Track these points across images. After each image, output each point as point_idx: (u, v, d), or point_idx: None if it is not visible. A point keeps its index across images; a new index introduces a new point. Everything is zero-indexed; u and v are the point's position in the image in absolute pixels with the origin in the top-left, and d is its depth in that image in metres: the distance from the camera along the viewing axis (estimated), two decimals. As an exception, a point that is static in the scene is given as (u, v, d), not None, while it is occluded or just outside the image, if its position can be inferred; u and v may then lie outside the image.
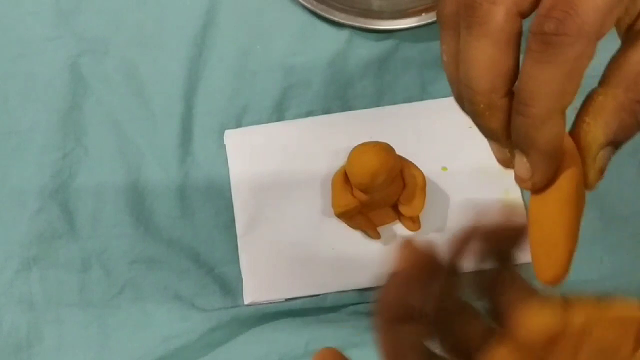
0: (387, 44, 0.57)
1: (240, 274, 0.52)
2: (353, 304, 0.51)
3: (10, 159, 0.55)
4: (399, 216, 0.52)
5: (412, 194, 0.50)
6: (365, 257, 0.52)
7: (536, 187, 0.25)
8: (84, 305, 0.52)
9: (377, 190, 0.49)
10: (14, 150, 0.56)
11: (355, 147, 0.49)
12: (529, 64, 0.22)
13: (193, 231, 0.53)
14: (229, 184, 0.54)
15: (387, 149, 0.48)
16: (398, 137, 0.51)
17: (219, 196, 0.54)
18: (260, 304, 0.51)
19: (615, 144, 0.23)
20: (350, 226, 0.52)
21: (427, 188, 0.51)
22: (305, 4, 0.57)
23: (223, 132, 0.55)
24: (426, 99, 0.56)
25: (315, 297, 0.51)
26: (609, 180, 0.53)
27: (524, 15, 0.22)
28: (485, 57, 0.22)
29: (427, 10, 0.56)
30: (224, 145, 0.55)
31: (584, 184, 0.24)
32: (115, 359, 0.51)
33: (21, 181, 0.55)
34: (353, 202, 0.50)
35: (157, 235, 0.53)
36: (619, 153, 0.54)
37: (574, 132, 0.24)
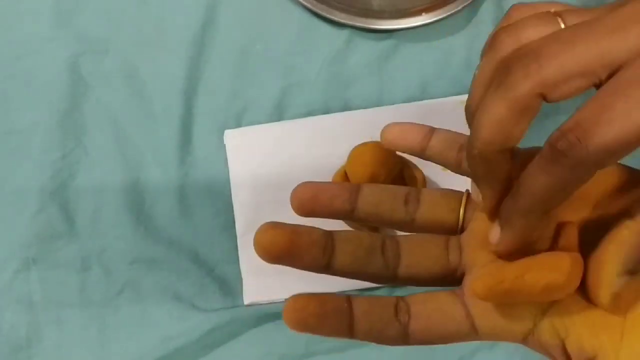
0: (387, 44, 0.57)
1: (240, 274, 0.52)
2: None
3: (10, 159, 0.55)
4: None
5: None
6: None
7: (497, 254, 0.28)
8: (83, 305, 0.52)
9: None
10: (14, 150, 0.56)
11: (355, 147, 0.49)
12: (534, 162, 0.24)
13: (193, 231, 0.53)
14: (229, 183, 0.54)
15: (387, 149, 0.48)
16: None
17: (219, 196, 0.54)
18: (260, 304, 0.51)
19: (632, 273, 0.25)
20: (351, 226, 0.52)
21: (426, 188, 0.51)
22: (305, 3, 0.57)
23: (223, 132, 0.55)
24: (426, 99, 0.56)
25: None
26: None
27: (545, 99, 0.24)
28: (496, 114, 0.25)
29: (427, 10, 0.56)
30: (224, 145, 0.55)
31: (594, 300, 0.26)
32: (115, 359, 0.51)
33: (21, 181, 0.55)
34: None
35: (157, 236, 0.53)
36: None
37: (596, 255, 0.26)
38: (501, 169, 0.27)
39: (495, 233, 0.28)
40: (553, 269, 0.25)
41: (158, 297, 0.52)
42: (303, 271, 0.52)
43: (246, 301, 0.51)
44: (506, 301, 0.27)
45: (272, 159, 0.54)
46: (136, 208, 0.54)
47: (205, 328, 0.50)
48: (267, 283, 0.52)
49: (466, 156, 0.27)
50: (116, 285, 0.52)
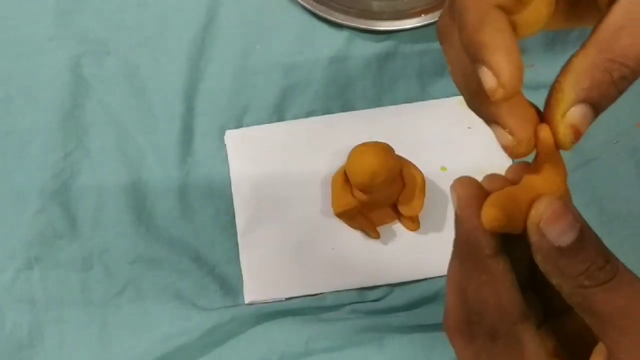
0: (387, 44, 0.57)
1: (241, 274, 0.52)
2: (353, 303, 0.51)
3: (12, 159, 0.56)
4: (399, 216, 0.53)
5: (411, 194, 0.51)
6: (365, 257, 0.52)
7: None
8: (85, 304, 0.52)
9: (377, 190, 0.49)
10: (16, 150, 0.56)
11: (355, 147, 0.49)
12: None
13: (194, 231, 0.54)
14: (230, 183, 0.54)
15: (386, 149, 0.49)
16: (398, 137, 0.52)
17: (220, 196, 0.54)
18: (261, 303, 0.51)
19: (590, 103, 0.22)
20: (350, 226, 0.53)
21: (426, 188, 0.51)
22: (305, 5, 0.57)
23: (224, 132, 0.55)
24: (426, 100, 0.56)
25: (315, 296, 0.51)
26: (607, 180, 0.53)
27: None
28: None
29: (426, 11, 0.56)
30: (225, 145, 0.55)
31: (556, 143, 0.23)
32: (116, 358, 0.51)
33: (22, 181, 0.55)
34: (353, 202, 0.50)
35: (158, 235, 0.54)
36: (617, 153, 0.55)
37: (548, 97, 0.23)
38: None
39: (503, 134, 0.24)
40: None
41: (159, 296, 0.52)
42: (302, 271, 0.52)
43: (246, 300, 0.52)
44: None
45: (273, 159, 0.55)
46: (137, 208, 0.54)
47: (206, 327, 0.50)
48: (267, 282, 0.52)
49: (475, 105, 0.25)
50: (117, 284, 0.52)
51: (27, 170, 0.55)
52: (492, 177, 0.26)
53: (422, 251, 0.52)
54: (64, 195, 0.54)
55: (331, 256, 0.53)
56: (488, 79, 0.21)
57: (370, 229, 0.52)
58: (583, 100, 0.22)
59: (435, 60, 0.57)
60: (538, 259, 0.22)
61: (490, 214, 0.22)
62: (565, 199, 0.22)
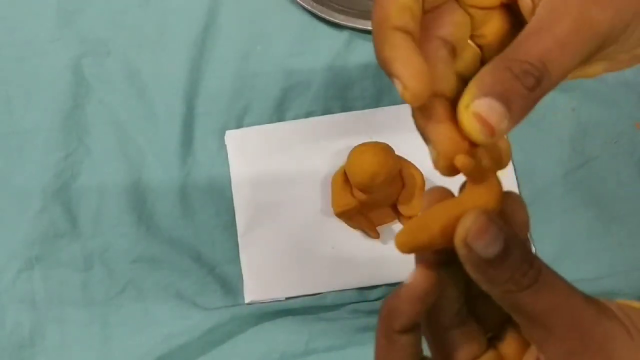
0: (387, 45, 0.57)
1: (241, 273, 0.52)
2: (353, 303, 0.51)
3: (13, 159, 0.56)
4: (398, 216, 0.53)
5: (411, 193, 0.51)
6: (365, 256, 0.52)
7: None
8: (86, 304, 0.52)
9: (377, 190, 0.49)
10: (17, 151, 0.56)
11: (355, 147, 0.49)
12: None
13: (194, 230, 0.54)
14: (230, 184, 0.54)
15: (386, 149, 0.49)
16: (397, 137, 0.52)
17: (220, 196, 0.54)
18: (261, 302, 0.52)
19: (495, 96, 0.23)
20: (350, 226, 0.53)
21: (426, 188, 0.51)
22: (305, 5, 0.57)
23: (224, 133, 0.55)
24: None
25: (315, 296, 0.52)
26: (607, 179, 0.53)
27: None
28: None
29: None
30: (225, 146, 0.55)
31: (468, 138, 0.24)
32: (117, 357, 0.51)
33: (24, 181, 0.55)
34: (353, 202, 0.50)
35: (159, 235, 0.54)
36: (617, 152, 0.54)
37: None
38: None
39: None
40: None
41: (160, 295, 0.52)
42: (302, 270, 0.52)
43: (247, 300, 0.52)
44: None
45: (273, 159, 0.55)
46: (138, 208, 0.54)
47: (206, 326, 0.50)
48: (267, 282, 0.52)
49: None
50: (118, 284, 0.53)
51: (28, 170, 0.55)
52: (432, 190, 0.27)
53: None
54: (65, 195, 0.55)
55: (331, 256, 0.53)
56: (397, 86, 0.24)
57: (370, 229, 0.52)
58: (486, 94, 0.23)
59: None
60: (467, 269, 0.23)
61: (398, 241, 0.25)
62: (489, 214, 0.23)
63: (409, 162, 0.51)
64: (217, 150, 0.55)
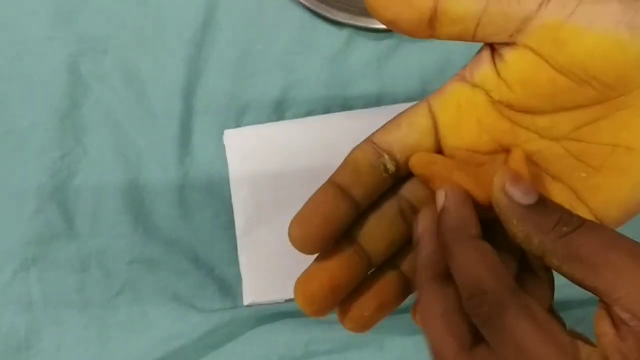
0: (388, 43, 0.57)
1: (240, 275, 0.52)
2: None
3: (9, 159, 0.55)
4: None
5: None
6: None
7: None
8: (82, 306, 0.52)
9: None
10: (13, 150, 0.55)
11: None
12: None
13: (192, 231, 0.53)
14: (229, 184, 0.54)
15: None
16: None
17: (219, 196, 0.54)
18: (260, 304, 0.51)
19: None
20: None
21: None
22: (305, 3, 0.57)
23: (222, 132, 0.55)
24: (427, 99, 0.56)
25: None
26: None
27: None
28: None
29: (427, 9, 0.56)
30: (224, 145, 0.55)
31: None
32: (115, 359, 0.51)
33: (20, 181, 0.54)
34: None
35: (156, 236, 0.53)
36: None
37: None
38: None
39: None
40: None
41: (157, 297, 0.52)
42: (302, 272, 0.52)
43: (246, 301, 0.51)
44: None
45: (272, 159, 0.54)
46: (135, 208, 0.54)
47: (204, 329, 0.50)
48: (267, 283, 0.51)
49: None
50: (115, 285, 0.52)
51: (25, 170, 0.55)
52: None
53: None
54: (62, 196, 0.54)
55: None
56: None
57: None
58: None
59: (435, 59, 0.57)
60: (514, 224, 0.23)
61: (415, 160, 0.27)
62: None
63: None
64: (216, 150, 0.55)
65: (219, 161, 0.55)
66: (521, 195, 0.23)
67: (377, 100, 0.56)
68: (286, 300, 0.51)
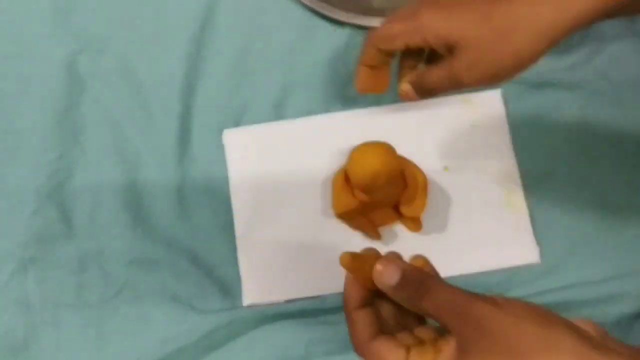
0: (388, 42, 0.56)
1: (239, 276, 0.52)
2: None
3: (7, 159, 0.55)
4: (400, 217, 0.52)
5: (413, 194, 0.50)
6: None
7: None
8: (81, 306, 0.52)
9: (378, 191, 0.48)
10: (11, 150, 0.55)
11: (356, 147, 0.49)
12: None
13: (191, 232, 0.53)
14: (228, 184, 0.54)
15: (388, 149, 0.48)
16: (399, 137, 0.51)
17: (218, 197, 0.54)
18: (260, 305, 0.51)
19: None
20: (351, 227, 0.52)
21: (428, 188, 0.51)
22: (306, 2, 0.57)
23: (222, 132, 0.55)
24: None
25: (315, 299, 0.51)
26: (613, 180, 0.53)
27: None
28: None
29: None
30: (223, 145, 0.54)
31: None
32: (113, 361, 0.51)
33: (18, 181, 0.54)
34: (354, 203, 0.50)
35: (155, 236, 0.53)
36: (623, 152, 0.54)
37: None
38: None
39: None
40: None
41: (156, 298, 0.52)
42: (302, 273, 0.52)
43: (245, 302, 0.51)
44: None
45: (272, 159, 0.54)
46: (134, 208, 0.53)
47: (204, 329, 0.50)
48: (266, 284, 0.51)
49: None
50: (114, 286, 0.52)
51: (23, 170, 0.54)
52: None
53: (424, 252, 0.51)
54: (60, 196, 0.54)
55: (331, 257, 0.52)
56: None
57: (371, 230, 0.51)
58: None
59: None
60: (391, 293, 0.33)
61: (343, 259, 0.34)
62: (389, 258, 0.34)
63: (411, 162, 0.51)
64: (215, 150, 0.54)
65: (218, 161, 0.54)
66: (388, 280, 0.33)
67: (377, 100, 0.55)
68: (286, 301, 0.51)
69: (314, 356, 0.50)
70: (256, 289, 0.51)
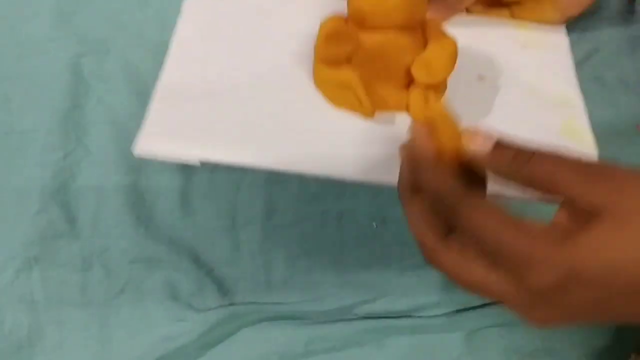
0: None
1: (239, 275, 0.52)
2: (353, 304, 0.51)
3: (12, 159, 0.56)
4: (409, 102, 0.40)
5: (434, 55, 0.38)
6: (346, 142, 0.39)
7: None
8: (84, 304, 0.52)
9: (389, 28, 0.38)
10: (16, 150, 0.56)
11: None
12: None
13: (193, 231, 0.53)
14: (230, 184, 0.54)
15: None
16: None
17: (220, 196, 0.54)
18: (156, 158, 0.41)
19: None
20: (333, 101, 0.41)
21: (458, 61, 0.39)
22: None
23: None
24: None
25: (313, 300, 0.51)
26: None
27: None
28: None
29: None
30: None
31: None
32: (116, 358, 0.51)
33: (23, 181, 0.55)
34: (342, 25, 0.38)
35: (158, 235, 0.53)
36: (617, 154, 0.54)
37: None
38: None
39: None
40: None
41: (159, 296, 0.52)
42: (243, 135, 0.42)
43: (137, 150, 0.41)
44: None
45: (228, 22, 0.46)
46: (137, 208, 0.54)
47: (204, 327, 0.50)
48: (179, 135, 0.41)
49: None
50: (117, 284, 0.52)
51: (27, 170, 0.55)
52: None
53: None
54: (64, 195, 0.54)
55: (297, 130, 0.39)
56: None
57: (362, 101, 0.39)
58: None
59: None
60: (487, 165, 0.31)
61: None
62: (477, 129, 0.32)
63: (441, 28, 0.40)
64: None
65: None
66: (482, 144, 0.31)
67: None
68: (202, 164, 0.41)
69: (314, 354, 0.50)
70: (155, 139, 0.40)
